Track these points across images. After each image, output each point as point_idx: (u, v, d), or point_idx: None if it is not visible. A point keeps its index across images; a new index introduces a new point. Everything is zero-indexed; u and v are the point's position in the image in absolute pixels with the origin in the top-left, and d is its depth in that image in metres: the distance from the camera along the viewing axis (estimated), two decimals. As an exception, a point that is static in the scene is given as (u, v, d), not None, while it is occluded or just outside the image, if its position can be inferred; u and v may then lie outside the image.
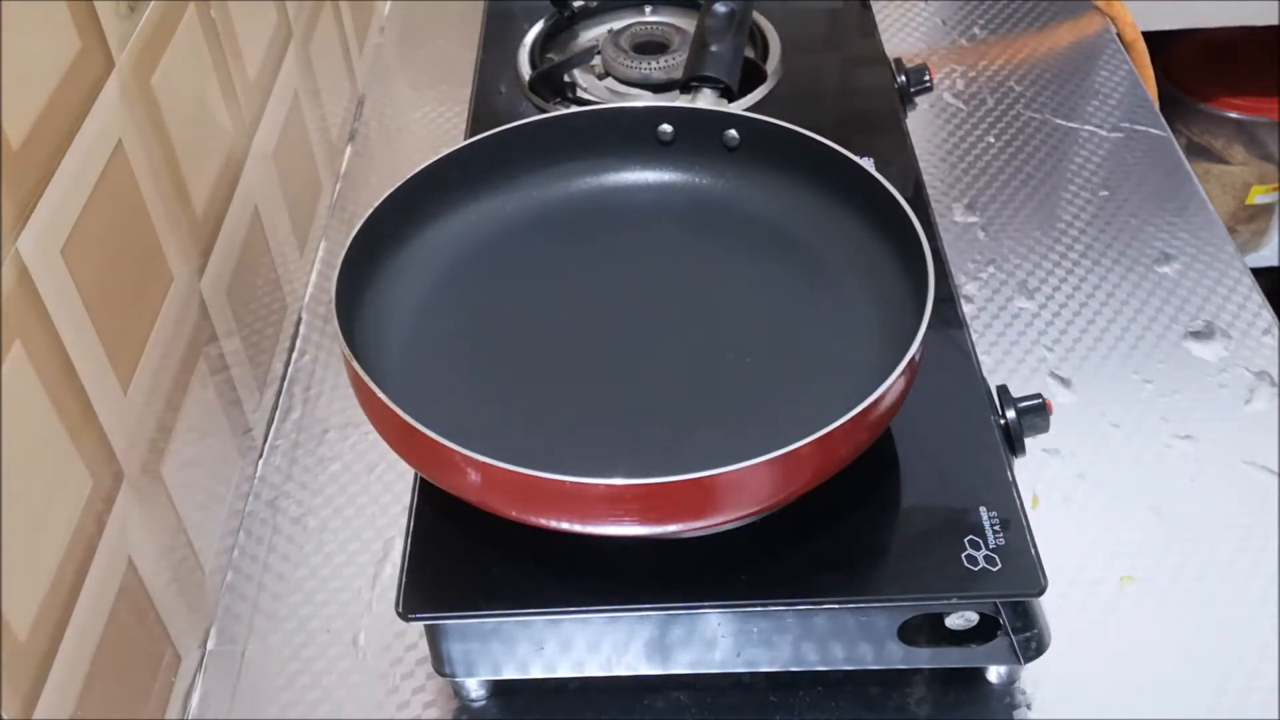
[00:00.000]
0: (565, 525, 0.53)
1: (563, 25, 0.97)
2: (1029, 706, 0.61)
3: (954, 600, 0.56)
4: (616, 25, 0.93)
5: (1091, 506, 0.71)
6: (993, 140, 0.97)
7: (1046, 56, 1.06)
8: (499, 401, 0.61)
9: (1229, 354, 0.79)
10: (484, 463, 0.51)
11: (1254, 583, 0.66)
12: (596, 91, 0.89)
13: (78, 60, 0.56)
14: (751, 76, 0.86)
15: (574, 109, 0.75)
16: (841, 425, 0.51)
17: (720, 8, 0.78)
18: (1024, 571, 0.56)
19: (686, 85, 0.75)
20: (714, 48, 0.75)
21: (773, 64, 0.89)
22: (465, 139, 0.70)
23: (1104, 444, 0.74)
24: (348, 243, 0.61)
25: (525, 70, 0.91)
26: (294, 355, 0.84)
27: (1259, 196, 1.50)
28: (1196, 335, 0.80)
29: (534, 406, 0.61)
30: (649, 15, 0.96)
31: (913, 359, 0.54)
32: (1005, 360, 0.79)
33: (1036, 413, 0.62)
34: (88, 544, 0.55)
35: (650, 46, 0.90)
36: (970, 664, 0.61)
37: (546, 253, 0.69)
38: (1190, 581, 0.66)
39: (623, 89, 0.88)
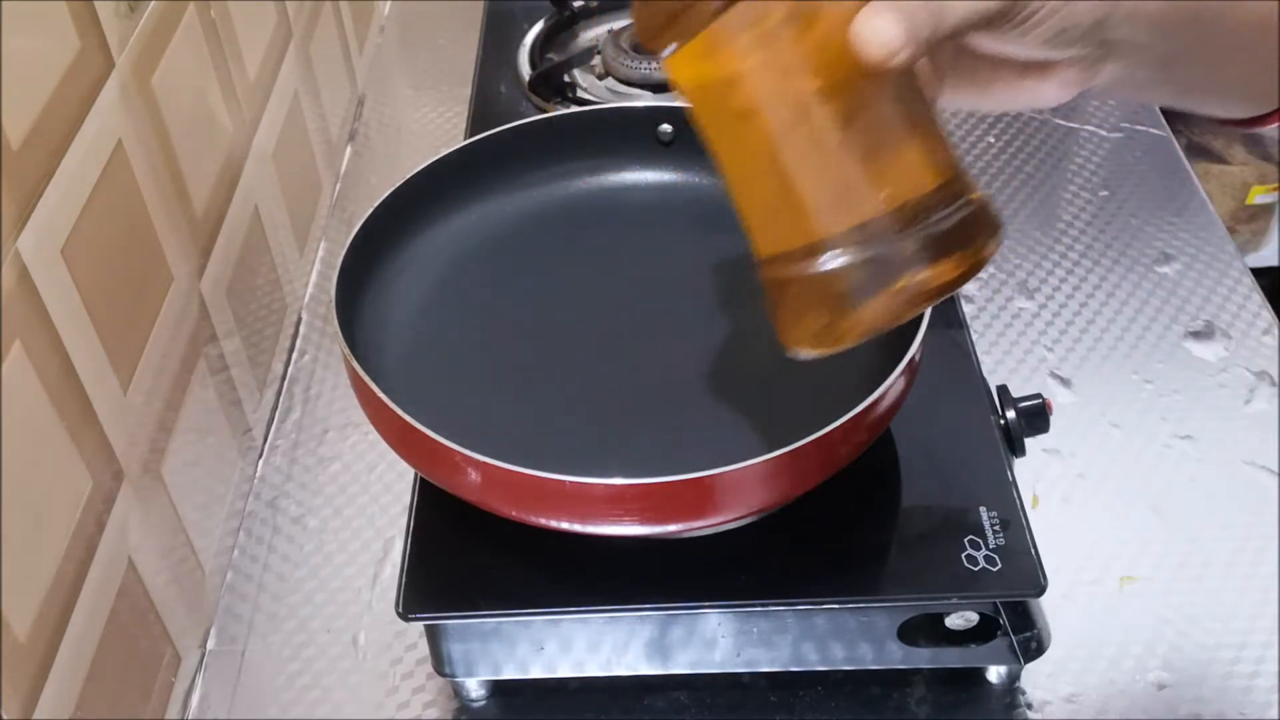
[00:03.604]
0: (565, 525, 0.53)
1: (563, 25, 0.97)
2: (1029, 706, 0.61)
3: (954, 600, 0.56)
4: (616, 25, 0.94)
5: (1091, 506, 0.71)
6: (993, 140, 0.97)
7: (1046, 56, 1.06)
8: (499, 401, 0.61)
9: (1229, 354, 0.79)
10: (484, 462, 0.51)
11: (1254, 583, 0.66)
12: (596, 91, 0.89)
13: (78, 60, 0.56)
14: (751, 76, 0.86)
15: (574, 109, 0.75)
16: (841, 425, 0.51)
17: (720, 8, 0.77)
18: (1024, 572, 0.56)
19: (686, 85, 0.75)
20: (714, 48, 0.75)
21: (773, 64, 0.89)
22: (465, 139, 0.70)
23: (1104, 444, 0.74)
24: (348, 243, 0.61)
25: (525, 70, 0.91)
26: (294, 355, 0.84)
27: (1259, 196, 1.50)
28: (1196, 335, 0.80)
29: (534, 406, 0.61)
30: (649, 15, 0.96)
31: (912, 359, 0.54)
32: (1005, 360, 0.79)
33: (1036, 413, 0.62)
34: (88, 544, 0.55)
35: (650, 46, 0.90)
36: (970, 664, 0.61)
37: (546, 253, 0.69)
38: (1190, 581, 0.66)
39: (623, 89, 0.88)
